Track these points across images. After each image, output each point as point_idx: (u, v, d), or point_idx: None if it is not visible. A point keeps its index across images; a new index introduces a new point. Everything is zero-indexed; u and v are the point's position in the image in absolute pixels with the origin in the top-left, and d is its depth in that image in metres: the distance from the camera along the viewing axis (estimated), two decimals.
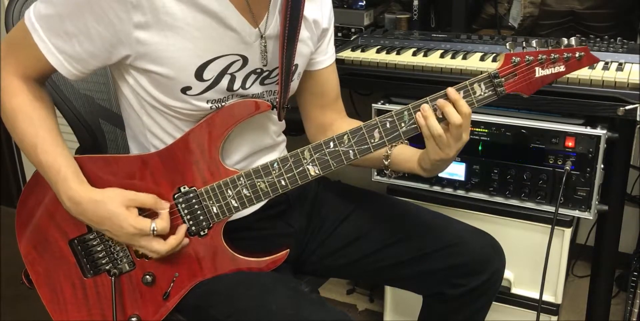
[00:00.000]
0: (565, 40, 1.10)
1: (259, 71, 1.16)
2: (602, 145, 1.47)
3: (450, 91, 1.09)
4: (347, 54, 1.71)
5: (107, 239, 1.18)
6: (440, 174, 1.68)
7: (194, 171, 1.15)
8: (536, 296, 1.59)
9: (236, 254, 1.18)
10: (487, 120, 1.58)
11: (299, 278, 1.32)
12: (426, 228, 1.33)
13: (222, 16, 1.07)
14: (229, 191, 1.15)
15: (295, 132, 1.42)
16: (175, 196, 1.16)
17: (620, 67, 1.47)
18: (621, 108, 1.38)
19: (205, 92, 1.11)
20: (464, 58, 1.61)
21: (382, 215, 1.37)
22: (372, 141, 1.12)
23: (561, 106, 1.47)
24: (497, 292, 1.36)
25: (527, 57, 1.10)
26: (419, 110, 1.10)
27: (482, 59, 1.60)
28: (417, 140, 1.17)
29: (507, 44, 1.11)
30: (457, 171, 1.66)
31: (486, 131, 1.59)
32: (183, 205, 1.16)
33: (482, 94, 1.11)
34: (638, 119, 1.38)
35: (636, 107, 1.37)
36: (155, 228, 1.10)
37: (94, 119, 1.39)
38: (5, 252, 2.17)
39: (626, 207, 1.72)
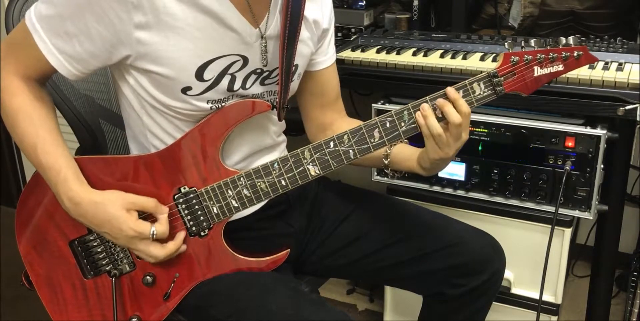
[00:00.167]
0: (563, 40, 1.11)
1: (259, 71, 1.16)
2: (602, 145, 1.48)
3: (450, 90, 1.10)
4: (347, 54, 1.71)
5: (107, 240, 1.18)
6: (440, 174, 1.68)
7: (194, 171, 1.15)
8: (536, 296, 1.59)
9: (236, 255, 1.18)
10: (487, 120, 1.58)
11: (299, 278, 1.32)
12: (426, 228, 1.33)
13: (222, 16, 1.07)
14: (230, 192, 1.15)
15: (295, 132, 1.42)
16: (176, 196, 1.16)
17: (620, 67, 1.47)
18: (621, 108, 1.38)
19: (206, 92, 1.11)
20: (464, 58, 1.61)
21: (382, 215, 1.37)
22: (372, 140, 1.12)
23: (561, 106, 1.47)
24: (497, 292, 1.36)
25: (525, 56, 1.10)
26: (419, 109, 1.11)
27: (482, 59, 1.60)
28: (416, 139, 1.17)
29: (506, 43, 1.12)
30: (457, 171, 1.66)
31: (486, 131, 1.59)
32: (183, 205, 1.16)
33: (482, 93, 1.11)
34: (638, 119, 1.38)
35: (636, 107, 1.37)
36: (155, 232, 1.10)
37: (94, 119, 1.39)
38: (5, 252, 2.17)
39: (626, 207, 1.72)
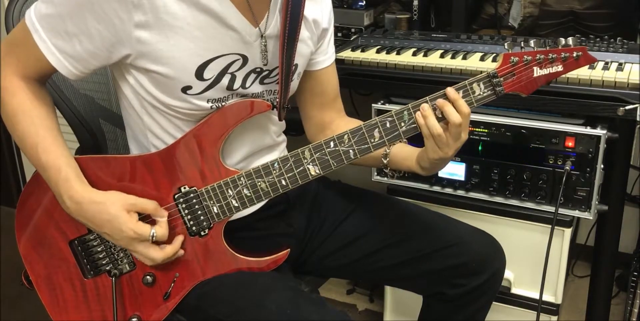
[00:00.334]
0: (562, 40, 1.11)
1: (258, 70, 1.16)
2: (602, 145, 1.48)
3: (450, 90, 1.10)
4: (347, 54, 1.71)
5: (107, 240, 1.18)
6: (440, 174, 1.68)
7: (194, 171, 1.15)
8: (536, 296, 1.59)
9: (236, 254, 1.18)
10: (487, 120, 1.58)
11: (299, 278, 1.32)
12: (426, 228, 1.33)
13: (222, 16, 1.07)
14: (230, 191, 1.15)
15: (296, 132, 1.42)
16: (176, 196, 1.16)
17: (620, 67, 1.47)
18: (621, 108, 1.38)
19: (206, 91, 1.11)
20: (464, 58, 1.61)
21: (382, 215, 1.37)
22: (372, 140, 1.12)
23: (561, 106, 1.47)
24: (497, 292, 1.36)
25: (525, 57, 1.10)
26: (419, 110, 1.11)
27: (482, 59, 1.60)
28: (416, 139, 1.17)
29: (506, 44, 1.12)
30: (457, 171, 1.66)
31: (486, 131, 1.59)
32: (184, 205, 1.16)
33: (481, 93, 1.11)
34: (638, 119, 1.38)
35: (636, 107, 1.37)
36: (154, 235, 1.10)
37: (94, 119, 1.39)
38: (5, 252, 2.17)
39: (626, 207, 1.72)
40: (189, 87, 1.09)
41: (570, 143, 1.51)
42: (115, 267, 1.19)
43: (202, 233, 1.17)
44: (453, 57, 1.62)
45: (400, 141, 1.25)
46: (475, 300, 1.33)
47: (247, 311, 1.13)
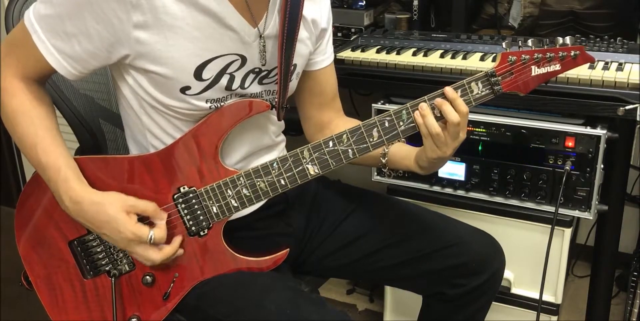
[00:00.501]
0: (560, 40, 1.11)
1: (257, 70, 1.16)
2: (602, 145, 1.47)
3: (448, 89, 1.10)
4: (347, 54, 1.71)
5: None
6: (440, 174, 1.68)
7: (193, 171, 1.15)
8: (536, 296, 1.59)
9: (236, 254, 1.18)
10: (487, 120, 1.58)
11: (299, 278, 1.32)
12: (426, 228, 1.33)
13: (221, 16, 1.07)
14: (229, 191, 1.15)
15: (295, 132, 1.42)
16: (175, 196, 1.16)
17: (620, 67, 1.47)
18: (621, 108, 1.38)
19: (205, 91, 1.11)
20: (464, 58, 1.61)
21: (382, 215, 1.37)
22: (371, 140, 1.12)
23: (561, 106, 1.47)
24: (497, 292, 1.36)
25: (523, 56, 1.11)
26: (417, 109, 1.11)
27: (482, 59, 1.60)
28: (415, 139, 1.17)
29: (504, 43, 1.12)
30: (457, 171, 1.66)
31: (486, 131, 1.59)
32: (183, 205, 1.16)
33: (480, 92, 1.12)
34: (638, 119, 1.38)
35: (636, 107, 1.37)
36: (153, 237, 1.09)
37: (94, 119, 1.39)
38: (5, 252, 2.17)
39: (626, 207, 1.72)
40: (188, 88, 1.09)
41: (570, 143, 1.51)
42: (114, 267, 1.19)
43: (202, 233, 1.17)
44: (453, 57, 1.62)
45: (398, 141, 1.25)
46: (475, 300, 1.33)
47: (247, 311, 1.13)
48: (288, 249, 1.21)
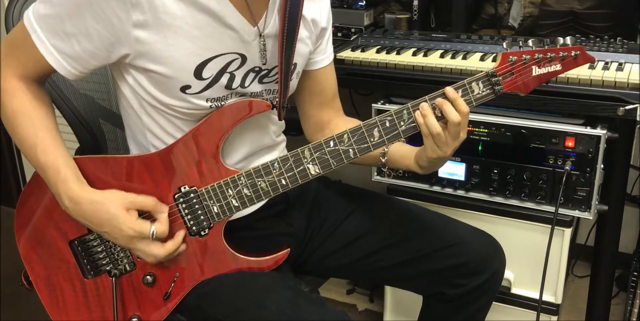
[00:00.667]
0: (561, 40, 1.11)
1: (257, 69, 1.16)
2: (602, 145, 1.47)
3: (449, 89, 1.10)
4: (347, 54, 1.71)
5: (107, 239, 1.18)
6: (440, 174, 1.68)
7: (194, 171, 1.15)
8: (536, 296, 1.59)
9: (237, 254, 1.18)
10: (487, 120, 1.58)
11: (299, 278, 1.32)
12: (426, 228, 1.33)
13: (221, 15, 1.07)
14: (230, 191, 1.15)
15: (295, 132, 1.42)
16: (176, 196, 1.16)
17: (620, 67, 1.47)
18: (621, 108, 1.38)
19: (205, 90, 1.11)
20: (464, 58, 1.61)
21: (382, 215, 1.37)
22: (372, 139, 1.12)
23: (561, 106, 1.47)
24: (497, 292, 1.36)
25: (523, 56, 1.11)
26: (418, 109, 1.11)
27: (482, 59, 1.60)
28: (415, 139, 1.17)
29: (504, 43, 1.12)
30: (457, 171, 1.66)
31: (486, 131, 1.59)
32: (184, 205, 1.16)
33: (480, 92, 1.12)
34: (638, 119, 1.38)
35: (636, 107, 1.37)
36: (154, 232, 1.09)
37: (94, 119, 1.39)
38: (5, 252, 2.17)
39: (626, 207, 1.72)
40: (188, 87, 1.09)
41: (570, 143, 1.51)
42: (115, 267, 1.19)
43: (202, 233, 1.17)
44: (453, 57, 1.62)
45: (399, 140, 1.25)
46: (475, 300, 1.33)
47: (247, 311, 1.13)
48: (289, 249, 1.21)
